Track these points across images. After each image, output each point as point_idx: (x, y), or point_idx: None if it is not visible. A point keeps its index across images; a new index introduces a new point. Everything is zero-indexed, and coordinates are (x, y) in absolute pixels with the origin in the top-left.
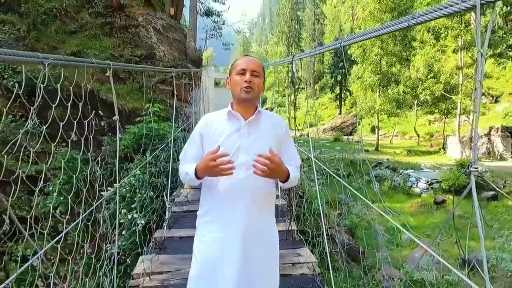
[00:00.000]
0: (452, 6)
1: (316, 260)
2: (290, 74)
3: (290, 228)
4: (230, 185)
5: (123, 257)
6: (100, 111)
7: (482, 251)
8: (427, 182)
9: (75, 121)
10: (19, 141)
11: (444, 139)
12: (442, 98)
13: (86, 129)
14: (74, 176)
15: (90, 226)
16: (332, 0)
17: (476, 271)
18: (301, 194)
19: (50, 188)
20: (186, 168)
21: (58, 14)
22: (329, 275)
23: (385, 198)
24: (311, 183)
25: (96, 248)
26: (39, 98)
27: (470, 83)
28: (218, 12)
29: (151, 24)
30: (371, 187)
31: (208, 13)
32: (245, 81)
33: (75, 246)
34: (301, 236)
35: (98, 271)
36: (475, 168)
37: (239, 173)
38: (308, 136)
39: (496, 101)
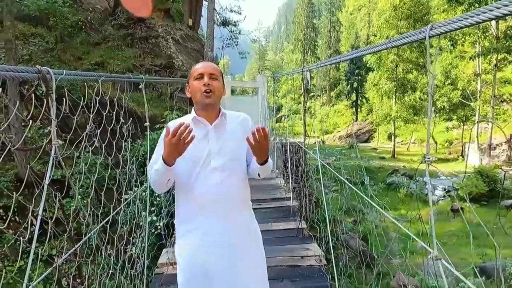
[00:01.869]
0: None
1: (323, 253)
2: (304, 82)
3: (300, 227)
4: (206, 190)
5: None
6: (121, 118)
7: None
8: (444, 190)
9: (99, 129)
10: (46, 147)
11: (462, 146)
12: (460, 104)
13: (108, 135)
14: (92, 179)
15: (108, 228)
16: (348, 7)
17: (493, 279)
18: (310, 196)
19: (76, 192)
20: (155, 165)
21: (83, 27)
22: (333, 266)
23: (401, 205)
24: (324, 189)
25: (116, 249)
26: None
27: (489, 90)
28: (234, 22)
29: (170, 35)
30: (387, 195)
31: (225, 23)
32: (204, 85)
33: (94, 247)
34: (310, 233)
35: (120, 271)
36: (428, 158)
37: (214, 178)
38: (323, 143)
39: None
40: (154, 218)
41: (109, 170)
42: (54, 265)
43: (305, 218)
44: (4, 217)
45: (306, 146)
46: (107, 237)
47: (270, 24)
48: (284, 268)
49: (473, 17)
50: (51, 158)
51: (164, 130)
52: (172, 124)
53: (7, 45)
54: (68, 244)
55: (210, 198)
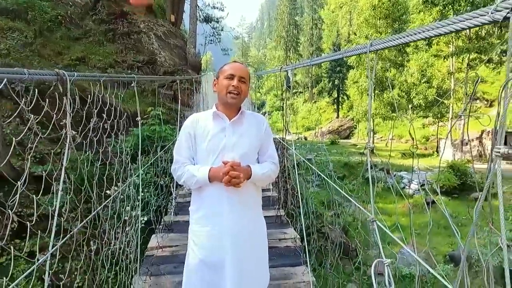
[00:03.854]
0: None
1: (298, 236)
2: (286, 80)
3: (278, 214)
4: (219, 181)
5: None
6: (103, 114)
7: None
8: (419, 184)
9: (81, 125)
10: (27, 143)
11: (437, 142)
12: (435, 102)
13: (91, 131)
14: (73, 176)
15: (90, 223)
16: (330, 5)
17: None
18: (288, 187)
19: (58, 188)
20: (193, 169)
21: (63, 21)
22: (305, 244)
23: (378, 199)
24: (306, 184)
25: (100, 245)
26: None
27: (462, 88)
28: (217, 19)
29: (153, 31)
30: (363, 189)
31: (208, 19)
32: (233, 86)
33: (77, 243)
34: (288, 219)
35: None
36: (370, 146)
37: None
38: (305, 140)
39: (490, 105)
40: (139, 212)
41: (97, 165)
42: (39, 262)
43: (283, 206)
44: None
45: (286, 142)
46: (96, 230)
47: (253, 20)
48: None
49: (405, 37)
50: (67, 146)
51: (186, 122)
52: (191, 118)
53: None
54: (51, 240)
55: (220, 187)
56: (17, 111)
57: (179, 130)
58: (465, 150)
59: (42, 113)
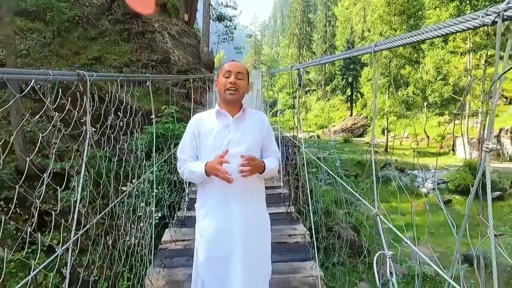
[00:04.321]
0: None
1: (307, 232)
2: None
3: (289, 211)
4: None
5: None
6: (119, 112)
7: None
8: (434, 183)
9: (99, 122)
10: (46, 140)
11: (453, 140)
12: (451, 99)
13: (108, 128)
14: (92, 171)
15: (108, 216)
16: (344, 1)
17: (475, 266)
18: (299, 184)
19: (75, 184)
20: (193, 166)
21: (80, 22)
22: (314, 240)
23: (392, 198)
24: (316, 181)
25: (117, 237)
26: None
27: (479, 85)
28: (230, 17)
29: (167, 30)
30: (379, 188)
31: (220, 18)
32: (230, 83)
33: (95, 235)
34: (298, 216)
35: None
36: (375, 142)
37: (232, 165)
38: (318, 138)
39: (510, 103)
40: (153, 208)
41: (114, 160)
42: (55, 255)
43: (293, 203)
44: (5, 209)
45: (298, 141)
46: (113, 222)
47: (265, 18)
48: (273, 244)
49: (409, 37)
50: (86, 142)
51: (191, 122)
52: (196, 117)
53: (7, 41)
54: (69, 234)
55: (227, 184)
56: (43, 110)
57: None
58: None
59: (65, 111)
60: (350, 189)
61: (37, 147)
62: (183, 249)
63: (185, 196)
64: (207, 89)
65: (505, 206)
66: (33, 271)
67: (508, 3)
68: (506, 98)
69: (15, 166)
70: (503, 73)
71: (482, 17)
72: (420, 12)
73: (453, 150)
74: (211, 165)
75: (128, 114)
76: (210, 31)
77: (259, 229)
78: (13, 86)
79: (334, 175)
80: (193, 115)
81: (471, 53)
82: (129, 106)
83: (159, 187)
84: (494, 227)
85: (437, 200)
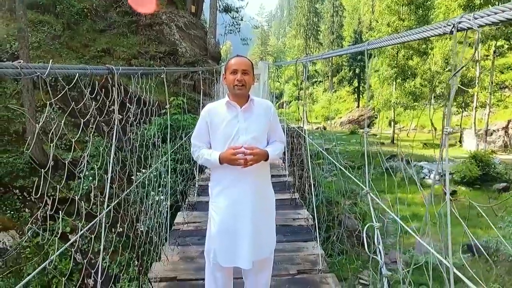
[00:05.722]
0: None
1: (311, 216)
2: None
3: (293, 197)
4: None
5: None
6: (126, 102)
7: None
8: (439, 174)
9: (105, 112)
10: (59, 131)
11: (461, 132)
12: (459, 91)
13: (119, 119)
14: (95, 165)
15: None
16: None
17: (479, 256)
18: (305, 174)
19: (86, 173)
20: (206, 154)
21: (89, 14)
22: (316, 222)
23: (397, 189)
24: (318, 170)
25: (127, 227)
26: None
27: (487, 76)
28: (236, 8)
29: (174, 22)
30: (383, 179)
31: (227, 9)
32: (237, 80)
33: (122, 210)
34: (302, 202)
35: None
36: (367, 130)
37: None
38: (324, 129)
39: None
40: (162, 197)
41: (128, 149)
42: (69, 242)
43: (297, 190)
44: (20, 197)
45: (303, 132)
46: (135, 203)
47: (272, 8)
48: (278, 227)
49: (402, 37)
50: (115, 127)
51: (203, 112)
52: (207, 108)
53: (20, 34)
54: (82, 222)
55: (236, 166)
56: (82, 102)
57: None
58: (489, 140)
59: (99, 102)
60: (342, 169)
61: (56, 138)
62: (194, 230)
63: (195, 183)
64: (215, 81)
65: (510, 197)
66: (50, 256)
67: (461, 17)
68: None
69: (29, 156)
70: (459, 70)
71: (444, 26)
72: (429, 2)
73: (460, 142)
74: (225, 156)
75: (141, 105)
76: (217, 23)
77: (266, 204)
78: (27, 79)
79: (335, 163)
80: (201, 106)
81: (479, 44)
82: (142, 98)
83: (173, 174)
84: (499, 218)
85: (443, 191)
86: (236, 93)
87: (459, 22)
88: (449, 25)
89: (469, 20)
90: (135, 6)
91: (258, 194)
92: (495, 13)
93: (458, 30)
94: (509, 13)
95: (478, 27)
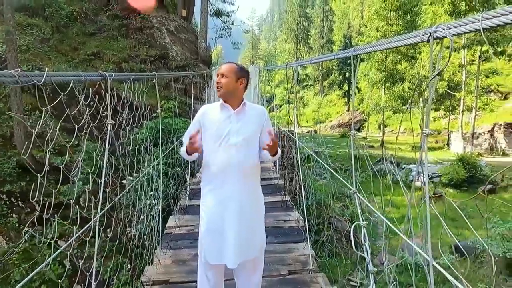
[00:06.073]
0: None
1: (301, 218)
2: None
3: (284, 199)
4: (224, 161)
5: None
6: (118, 107)
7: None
8: (428, 176)
9: (98, 118)
10: (55, 137)
11: (448, 135)
12: (446, 95)
13: (112, 124)
14: (88, 169)
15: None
16: None
17: (465, 257)
18: (295, 177)
19: (81, 176)
20: (182, 149)
21: (78, 17)
22: (307, 224)
23: (387, 191)
24: (308, 172)
25: (118, 231)
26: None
27: (473, 80)
28: (227, 13)
29: (165, 26)
30: (373, 181)
31: (218, 13)
32: (216, 82)
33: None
34: (293, 204)
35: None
36: (354, 132)
37: (231, 151)
38: (315, 133)
39: (505, 98)
40: (154, 201)
41: (119, 154)
42: (60, 249)
43: (288, 193)
44: (7, 202)
45: (294, 135)
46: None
47: (263, 12)
48: (269, 228)
49: (385, 44)
50: (108, 132)
51: (199, 111)
52: (203, 109)
53: (8, 36)
54: (76, 227)
55: (227, 166)
56: (77, 109)
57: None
58: (475, 143)
59: (93, 108)
60: (330, 170)
61: (53, 142)
62: (186, 233)
63: (187, 187)
64: (206, 85)
65: (496, 198)
66: (37, 264)
67: (437, 27)
68: (501, 93)
69: (16, 160)
70: (436, 74)
71: (422, 35)
72: (416, 8)
73: (447, 145)
74: (187, 144)
75: (134, 110)
76: (208, 27)
77: (254, 205)
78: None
79: (325, 164)
80: (192, 110)
81: (465, 49)
82: (135, 104)
83: (164, 178)
84: (486, 219)
85: (432, 193)
86: (218, 95)
87: (435, 31)
88: (426, 34)
89: (444, 29)
90: (133, 3)
91: (246, 195)
92: (466, 24)
93: (434, 39)
94: (478, 24)
95: (451, 36)
